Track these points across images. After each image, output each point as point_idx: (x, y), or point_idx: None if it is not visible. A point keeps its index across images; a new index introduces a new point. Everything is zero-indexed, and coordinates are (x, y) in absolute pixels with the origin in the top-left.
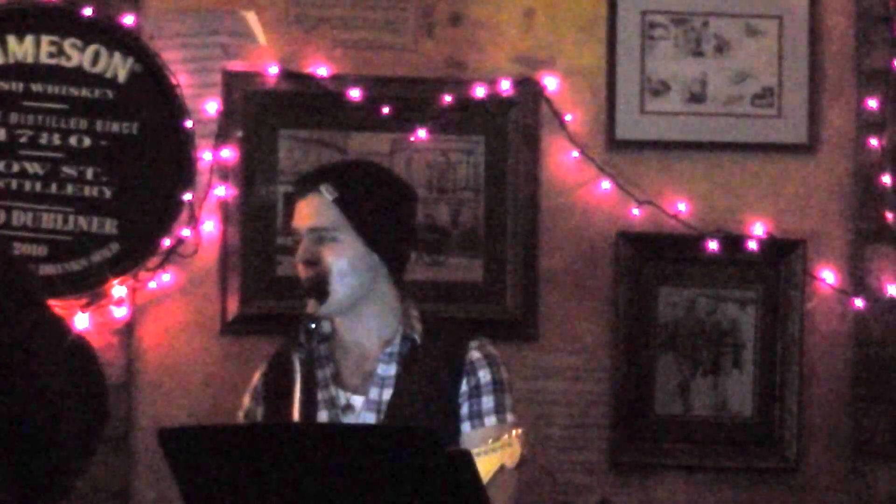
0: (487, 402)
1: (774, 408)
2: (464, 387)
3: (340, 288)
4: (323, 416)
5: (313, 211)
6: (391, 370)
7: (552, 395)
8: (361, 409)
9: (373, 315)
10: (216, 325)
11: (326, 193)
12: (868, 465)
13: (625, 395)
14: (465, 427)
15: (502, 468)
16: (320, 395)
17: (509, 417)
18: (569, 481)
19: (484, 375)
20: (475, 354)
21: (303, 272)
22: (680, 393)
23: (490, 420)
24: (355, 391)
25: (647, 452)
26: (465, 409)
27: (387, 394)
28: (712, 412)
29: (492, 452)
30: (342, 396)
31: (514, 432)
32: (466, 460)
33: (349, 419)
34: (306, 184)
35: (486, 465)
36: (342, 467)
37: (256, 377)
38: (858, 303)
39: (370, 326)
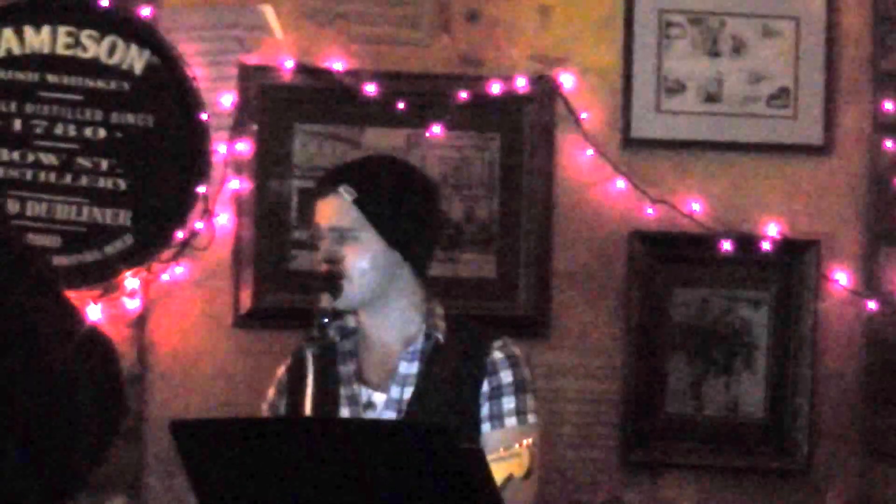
0: (508, 402)
1: (786, 409)
2: (485, 387)
3: (360, 286)
4: (345, 412)
5: (333, 211)
6: (413, 369)
7: (563, 392)
8: (382, 407)
9: (396, 312)
10: (229, 319)
11: (346, 194)
12: (879, 466)
13: (636, 395)
14: (486, 427)
15: (510, 478)
16: (343, 392)
17: (531, 419)
18: (579, 479)
19: (506, 376)
20: (497, 355)
21: (324, 269)
22: (691, 393)
23: (511, 421)
24: (377, 388)
25: (657, 452)
26: (485, 410)
27: (408, 392)
28: (724, 412)
29: (501, 461)
30: (364, 393)
31: (524, 442)
32: (479, 457)
33: (370, 417)
34: (325, 184)
35: (494, 474)
36: (354, 462)
37: (282, 370)
38: (871, 304)
39: (393, 323)
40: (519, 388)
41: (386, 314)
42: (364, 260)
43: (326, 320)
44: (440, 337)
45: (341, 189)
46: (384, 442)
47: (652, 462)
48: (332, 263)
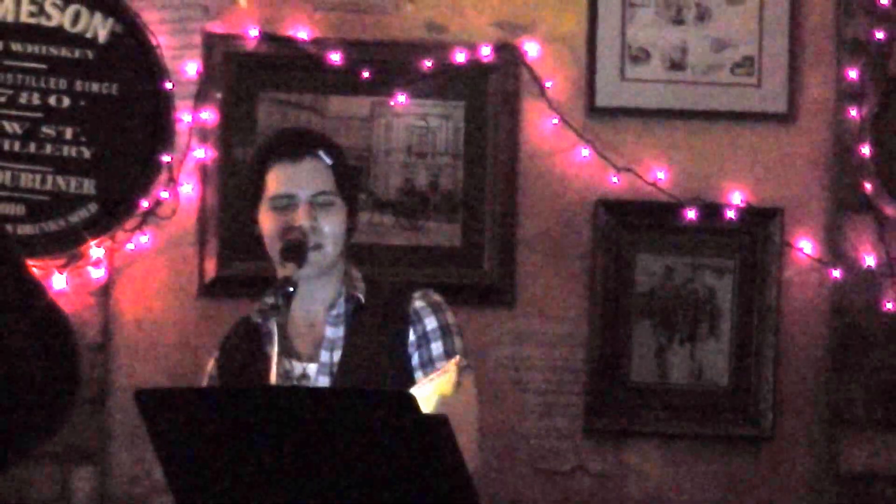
0: (437, 347)
1: (750, 376)
2: (412, 336)
3: (332, 253)
4: None
5: (317, 175)
6: (339, 332)
7: (528, 360)
8: (315, 373)
9: (323, 280)
10: (193, 287)
11: (326, 158)
12: (843, 434)
13: (601, 362)
14: (419, 376)
15: (443, 396)
16: (274, 370)
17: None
18: (543, 447)
19: (430, 322)
20: (419, 304)
21: (287, 235)
22: (656, 360)
23: (441, 365)
24: (310, 360)
25: (622, 419)
26: (416, 359)
27: (337, 356)
28: (688, 380)
29: (429, 384)
30: (297, 367)
31: (452, 361)
32: (443, 425)
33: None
34: (302, 147)
35: (436, 390)
36: (318, 430)
37: (210, 365)
38: (836, 273)
39: (317, 291)
40: (445, 331)
41: (317, 283)
42: (338, 226)
43: (291, 290)
44: (361, 297)
45: (321, 153)
46: (348, 409)
47: (616, 430)
48: (305, 231)
